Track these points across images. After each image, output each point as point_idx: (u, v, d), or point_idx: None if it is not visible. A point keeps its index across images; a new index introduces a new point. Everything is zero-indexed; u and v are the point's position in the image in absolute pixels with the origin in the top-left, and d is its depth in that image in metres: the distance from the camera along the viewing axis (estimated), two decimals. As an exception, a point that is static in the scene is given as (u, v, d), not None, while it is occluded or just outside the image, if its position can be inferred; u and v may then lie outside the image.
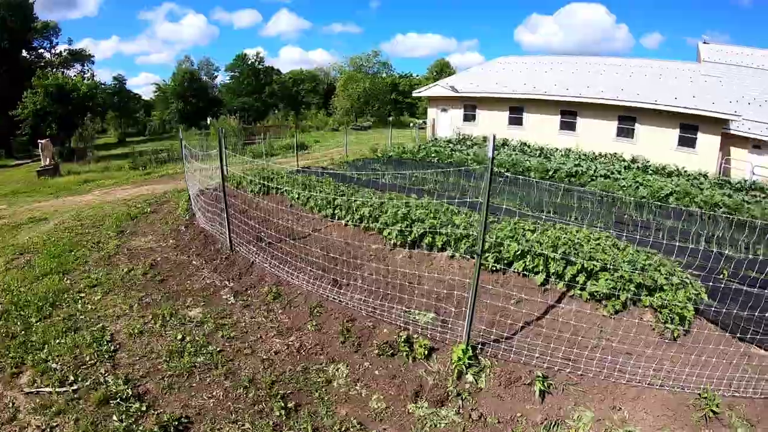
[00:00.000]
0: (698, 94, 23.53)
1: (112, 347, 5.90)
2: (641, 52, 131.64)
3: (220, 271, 8.30)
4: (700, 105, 22.53)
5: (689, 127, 23.22)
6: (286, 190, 10.86)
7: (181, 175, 16.17)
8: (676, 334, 5.59)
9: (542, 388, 5.06)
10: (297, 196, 10.42)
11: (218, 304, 7.17)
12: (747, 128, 24.32)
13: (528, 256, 6.53)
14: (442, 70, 71.43)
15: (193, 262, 8.80)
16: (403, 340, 5.73)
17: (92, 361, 5.57)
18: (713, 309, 5.83)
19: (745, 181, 20.18)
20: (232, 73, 71.74)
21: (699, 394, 4.87)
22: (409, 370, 5.44)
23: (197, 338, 6.12)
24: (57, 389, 5.04)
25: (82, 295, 7.42)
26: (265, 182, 11.40)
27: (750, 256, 9.27)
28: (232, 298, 7.32)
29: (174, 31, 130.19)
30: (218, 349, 5.89)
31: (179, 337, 6.13)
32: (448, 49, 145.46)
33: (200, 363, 5.59)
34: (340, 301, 6.84)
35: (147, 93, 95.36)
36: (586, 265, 6.02)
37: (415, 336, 5.91)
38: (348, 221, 8.95)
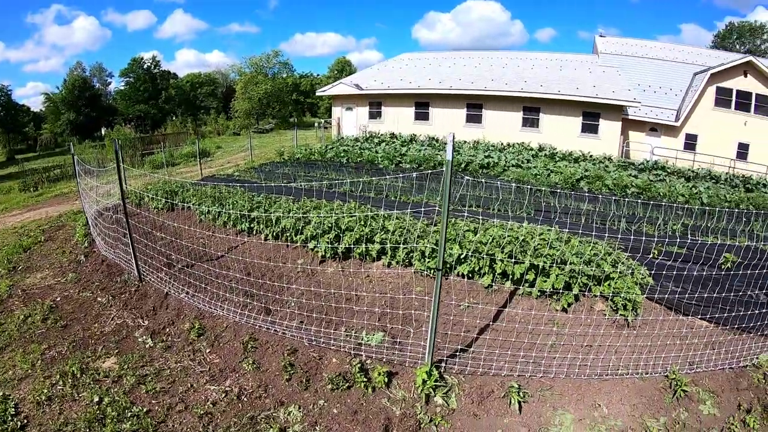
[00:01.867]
0: (598, 83, 25.09)
1: (19, 423, 4.72)
2: (535, 46, 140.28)
3: (131, 308, 7.16)
4: (601, 94, 24.05)
5: (591, 114, 24.72)
6: (193, 204, 9.85)
7: (77, 193, 14.42)
8: (630, 320, 5.66)
9: (519, 399, 4.74)
10: (207, 210, 9.46)
11: (135, 349, 6.09)
12: (644, 113, 26.52)
13: (473, 258, 6.22)
14: (344, 68, 71.40)
15: (99, 300, 7.57)
16: (357, 368, 5.10)
17: (-1, 446, 4.44)
18: (656, 289, 6.13)
19: (647, 161, 21.75)
20: (127, 79, 66.60)
21: (666, 376, 5.00)
22: (371, 402, 4.84)
23: (118, 398, 5.07)
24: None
25: (-24, 355, 6.05)
26: (170, 197, 10.31)
27: (669, 233, 9.73)
28: (149, 340, 6.25)
29: (64, 35, 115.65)
30: (145, 410, 4.89)
31: (96, 399, 5.04)
32: (348, 47, 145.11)
33: (127, 431, 4.61)
34: (275, 331, 6.05)
35: (36, 104, 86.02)
36: (536, 262, 5.83)
37: (369, 361, 5.33)
38: (268, 235, 8.18)
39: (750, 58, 27.76)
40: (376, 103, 29.74)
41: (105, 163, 24.55)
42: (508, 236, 6.41)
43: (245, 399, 5.04)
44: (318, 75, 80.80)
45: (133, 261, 7.81)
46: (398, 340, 5.63)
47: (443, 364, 5.16)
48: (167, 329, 6.52)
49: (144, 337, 6.35)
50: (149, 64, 67.08)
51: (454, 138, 3.78)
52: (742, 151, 27.10)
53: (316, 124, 42.47)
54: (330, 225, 7.43)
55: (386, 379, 5.00)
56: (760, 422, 4.54)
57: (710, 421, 4.61)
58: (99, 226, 9.71)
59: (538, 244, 6.20)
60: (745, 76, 27.16)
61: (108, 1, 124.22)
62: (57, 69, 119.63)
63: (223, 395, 5.09)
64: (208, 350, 5.95)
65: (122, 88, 67.61)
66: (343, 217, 7.64)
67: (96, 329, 6.68)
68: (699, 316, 5.82)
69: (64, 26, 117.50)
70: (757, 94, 27.12)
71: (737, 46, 59.10)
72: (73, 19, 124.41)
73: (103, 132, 48.05)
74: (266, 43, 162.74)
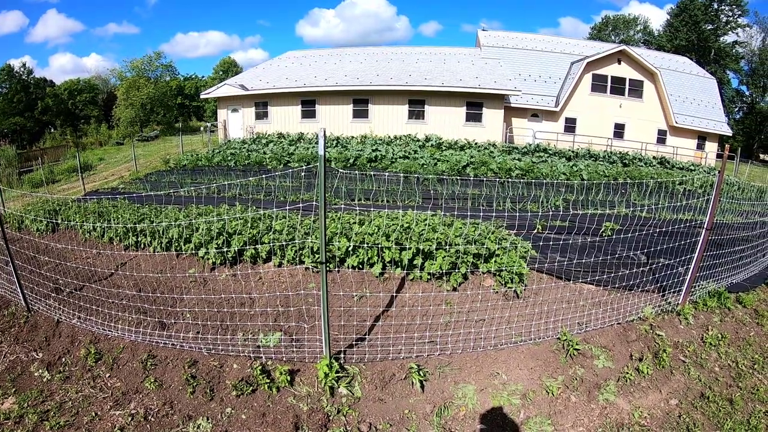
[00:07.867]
0: (480, 75, 26.54)
1: None
2: (421, 41, 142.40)
3: (23, 341, 6.68)
4: (483, 84, 25.49)
5: (475, 104, 26.12)
6: (77, 222, 9.35)
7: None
8: (519, 291, 6.10)
9: (420, 378, 5.03)
10: (92, 228, 9.04)
11: (32, 385, 5.69)
12: (525, 101, 28.58)
13: (361, 249, 6.44)
14: (229, 69, 69.68)
15: (-14, 337, 7.00)
16: (258, 371, 5.16)
17: None
18: (543, 261, 6.64)
19: (530, 145, 23.41)
20: (-1, 90, 60.41)
21: (558, 338, 5.42)
22: (278, 403, 4.94)
23: (24, 440, 4.79)
24: None
25: None
26: (52, 217, 9.77)
27: (553, 209, 10.64)
28: (46, 373, 5.89)
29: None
30: (53, 446, 4.67)
31: (1, 445, 4.74)
32: (232, 46, 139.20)
33: (38, 474, 4.36)
34: (173, 344, 5.94)
35: None
36: (422, 247, 6.11)
37: (270, 362, 5.41)
38: (156, 247, 7.94)
39: (623, 47, 30.78)
40: (262, 103, 29.30)
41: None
42: (393, 224, 6.67)
43: (152, 419, 4.94)
44: (203, 77, 77.74)
45: (18, 290, 7.26)
46: (296, 337, 5.75)
47: (343, 355, 5.35)
48: (63, 359, 6.17)
49: (40, 370, 5.97)
50: (20, 71, 61.16)
51: (325, 133, 4.02)
52: (619, 130, 30.18)
53: (202, 128, 40.64)
54: (218, 230, 7.33)
55: (289, 378, 5.10)
56: (653, 368, 5.08)
57: (606, 373, 5.08)
58: (-23, 257, 8.91)
59: (423, 229, 6.47)
60: (619, 64, 30.12)
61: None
62: None
63: (130, 419, 4.95)
64: (107, 375, 5.72)
65: (-6, 100, 61.26)
66: (230, 220, 7.56)
67: (-12, 370, 6.19)
68: (585, 280, 6.41)
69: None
70: (630, 79, 30.28)
71: (612, 37, 64.88)
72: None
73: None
74: (147, 45, 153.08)
